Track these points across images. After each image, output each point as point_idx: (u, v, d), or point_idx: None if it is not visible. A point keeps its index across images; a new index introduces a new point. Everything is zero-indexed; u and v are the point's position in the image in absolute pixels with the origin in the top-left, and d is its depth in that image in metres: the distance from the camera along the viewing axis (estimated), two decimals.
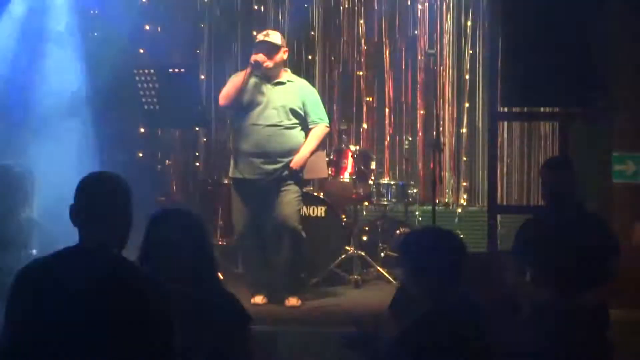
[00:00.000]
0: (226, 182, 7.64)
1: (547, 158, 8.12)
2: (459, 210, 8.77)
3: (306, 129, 6.68)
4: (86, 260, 2.84)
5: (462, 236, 3.83)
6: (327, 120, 6.77)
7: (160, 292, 2.87)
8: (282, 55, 6.63)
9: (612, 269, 4.79)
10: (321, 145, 7.00)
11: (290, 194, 6.59)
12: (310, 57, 9.02)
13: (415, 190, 8.46)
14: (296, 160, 6.57)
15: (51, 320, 2.77)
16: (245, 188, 6.61)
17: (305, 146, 6.62)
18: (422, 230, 3.75)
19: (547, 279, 4.77)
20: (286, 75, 6.72)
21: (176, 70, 6.56)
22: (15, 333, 2.81)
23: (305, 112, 6.63)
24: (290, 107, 6.57)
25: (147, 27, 8.51)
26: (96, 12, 7.91)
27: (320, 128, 6.68)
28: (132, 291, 2.82)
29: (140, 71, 6.62)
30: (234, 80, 6.64)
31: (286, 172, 6.56)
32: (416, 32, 8.97)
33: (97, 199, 2.93)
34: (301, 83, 6.82)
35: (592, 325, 4.69)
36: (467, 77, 8.89)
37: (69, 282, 2.79)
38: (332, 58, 9.08)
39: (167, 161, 8.16)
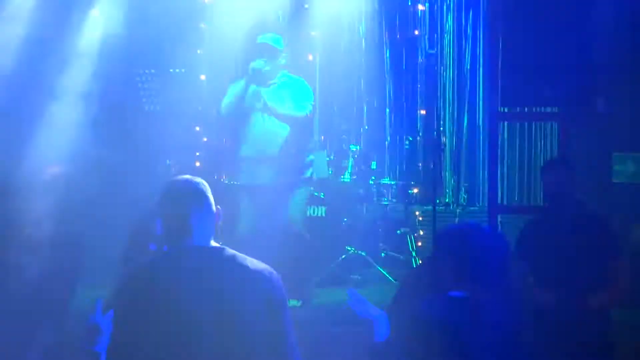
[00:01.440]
0: (227, 182, 7.64)
1: (547, 158, 8.15)
2: (459, 210, 8.78)
3: (302, 126, 6.67)
4: (201, 256, 2.93)
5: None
6: (306, 109, 6.67)
7: (275, 280, 3.02)
8: (282, 59, 6.60)
9: (616, 270, 4.80)
10: (321, 146, 7.00)
11: (296, 197, 6.58)
12: (310, 57, 9.02)
13: (415, 190, 8.48)
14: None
15: (166, 317, 2.82)
16: (249, 193, 6.60)
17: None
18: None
19: (549, 280, 4.78)
20: (282, 74, 6.68)
21: (176, 70, 6.55)
22: (128, 333, 2.85)
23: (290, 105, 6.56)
24: (288, 106, 6.55)
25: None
26: None
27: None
28: (249, 281, 2.93)
29: (140, 71, 6.62)
30: (234, 90, 6.63)
31: (289, 175, 6.55)
32: (416, 32, 8.98)
33: (187, 204, 2.99)
34: (286, 79, 6.69)
35: (594, 326, 4.69)
36: (467, 77, 8.90)
37: (191, 283, 2.86)
38: (332, 58, 9.08)
39: (167, 161, 8.14)
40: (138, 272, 2.95)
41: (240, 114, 6.56)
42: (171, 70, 6.53)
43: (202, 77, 8.76)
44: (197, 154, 9.04)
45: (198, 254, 2.94)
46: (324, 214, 7.57)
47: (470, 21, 8.88)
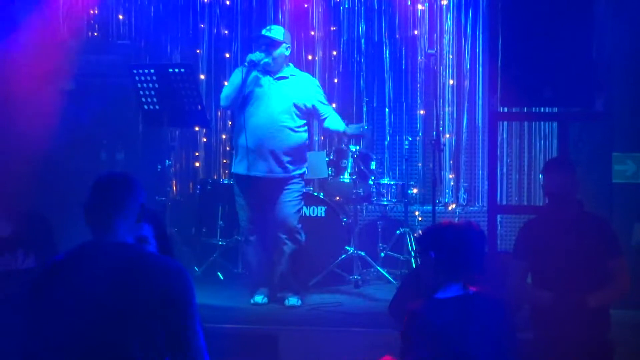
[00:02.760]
0: (226, 182, 7.63)
1: (547, 158, 8.14)
2: (459, 210, 8.77)
3: (308, 124, 6.70)
4: (109, 253, 2.98)
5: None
6: (331, 106, 6.82)
7: (184, 277, 3.00)
8: (284, 50, 6.61)
9: (616, 270, 4.80)
10: (321, 145, 7.01)
11: (291, 194, 6.59)
12: (310, 57, 9.01)
13: (415, 190, 8.47)
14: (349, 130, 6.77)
15: (78, 314, 2.89)
16: (247, 184, 6.60)
17: (340, 123, 6.74)
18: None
19: (548, 280, 4.78)
20: (288, 69, 6.70)
21: (176, 69, 6.54)
22: (39, 332, 2.93)
23: (312, 105, 6.62)
24: (294, 102, 6.56)
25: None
26: None
27: (333, 111, 6.80)
28: (155, 278, 2.95)
29: (140, 71, 6.61)
30: (233, 81, 6.63)
31: (288, 169, 6.55)
32: (416, 32, 8.97)
33: (108, 197, 3.06)
34: (303, 77, 6.79)
35: (593, 326, 4.69)
36: (467, 77, 8.89)
37: (93, 277, 2.92)
38: (332, 58, 9.08)
39: (167, 161, 8.14)
40: (54, 265, 3.03)
41: (241, 102, 6.56)
42: (171, 70, 6.51)
43: (202, 76, 8.78)
44: (197, 154, 9.05)
45: (102, 250, 3.00)
46: (323, 214, 7.57)
47: (470, 21, 8.87)
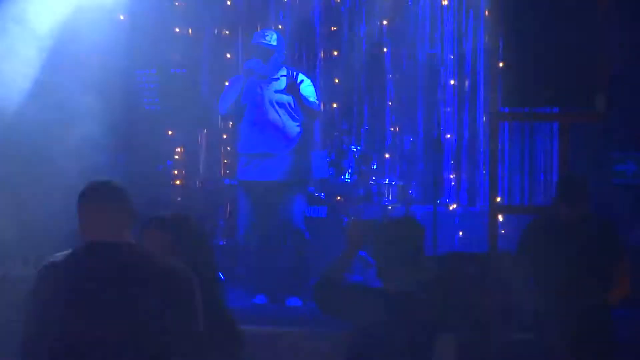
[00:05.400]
0: (227, 182, 7.64)
1: (547, 158, 8.13)
2: (460, 210, 8.77)
3: (303, 123, 6.67)
4: (107, 253, 3.00)
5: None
6: (319, 104, 6.73)
7: (189, 277, 3.02)
8: (278, 56, 6.61)
9: (620, 270, 4.81)
10: (322, 145, 7.00)
11: (295, 195, 6.59)
12: (310, 57, 9.01)
13: (415, 190, 8.46)
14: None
15: (82, 315, 2.91)
16: (253, 190, 6.60)
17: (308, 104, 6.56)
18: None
19: (551, 281, 4.78)
20: (281, 71, 6.69)
21: (177, 70, 6.55)
22: (40, 334, 2.94)
23: (299, 99, 6.55)
24: (289, 102, 6.56)
25: None
26: None
27: (315, 106, 6.65)
28: (156, 278, 2.97)
29: (141, 71, 6.62)
30: (231, 90, 6.64)
31: (291, 171, 6.54)
32: (416, 32, 8.97)
33: (100, 204, 3.08)
34: (292, 74, 6.75)
35: (596, 326, 4.70)
36: (468, 77, 8.89)
37: (97, 277, 2.94)
38: (333, 58, 9.08)
39: (167, 161, 8.15)
40: (49, 269, 3.04)
41: (239, 109, 6.56)
42: (171, 70, 6.52)
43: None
44: (198, 153, 9.05)
45: (105, 250, 3.01)
46: (324, 214, 7.57)
47: (470, 21, 8.87)
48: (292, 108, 6.56)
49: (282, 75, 6.64)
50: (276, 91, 6.58)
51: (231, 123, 8.29)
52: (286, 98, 6.55)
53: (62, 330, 2.92)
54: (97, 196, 3.09)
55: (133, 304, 2.92)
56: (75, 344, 2.91)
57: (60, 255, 3.06)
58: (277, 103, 6.54)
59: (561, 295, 4.71)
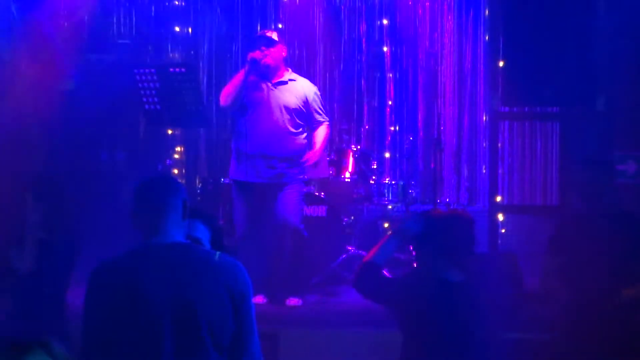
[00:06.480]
0: (227, 181, 7.63)
1: (548, 158, 8.13)
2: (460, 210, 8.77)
3: (308, 129, 6.67)
4: (169, 254, 3.01)
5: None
6: (327, 119, 6.77)
7: (245, 274, 3.07)
8: (280, 51, 6.60)
9: None
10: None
11: (292, 195, 6.58)
12: (310, 57, 9.02)
13: (415, 190, 8.46)
14: (310, 157, 6.56)
15: (141, 318, 2.92)
16: (247, 190, 6.59)
17: (318, 144, 6.62)
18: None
19: (578, 278, 4.80)
20: (288, 74, 6.69)
21: (177, 69, 6.54)
22: (98, 330, 2.96)
23: (308, 111, 6.61)
24: (293, 107, 6.55)
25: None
26: None
27: (325, 127, 6.68)
28: (221, 276, 3.01)
29: (141, 70, 6.61)
30: (234, 80, 6.63)
31: (288, 174, 6.55)
32: (417, 32, 8.98)
33: (156, 201, 3.10)
34: (303, 82, 6.77)
35: (629, 322, 4.71)
36: (468, 76, 8.89)
37: (157, 278, 2.95)
38: (333, 58, 9.08)
39: (167, 161, 8.15)
40: (107, 268, 3.05)
41: (240, 106, 6.55)
42: (171, 69, 6.51)
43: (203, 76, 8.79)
44: (198, 153, 9.06)
45: (165, 250, 3.02)
46: (324, 214, 7.57)
47: (471, 21, 8.87)
48: (294, 112, 6.53)
49: (290, 80, 6.63)
50: (282, 95, 6.56)
51: (230, 121, 8.27)
52: (290, 103, 6.53)
53: (124, 335, 2.92)
54: (155, 196, 3.11)
55: (191, 304, 2.94)
56: (141, 349, 2.91)
57: (114, 258, 3.06)
58: (283, 106, 6.52)
59: (592, 290, 4.74)
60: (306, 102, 6.58)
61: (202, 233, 3.42)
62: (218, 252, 3.15)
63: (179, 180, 3.27)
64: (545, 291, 4.94)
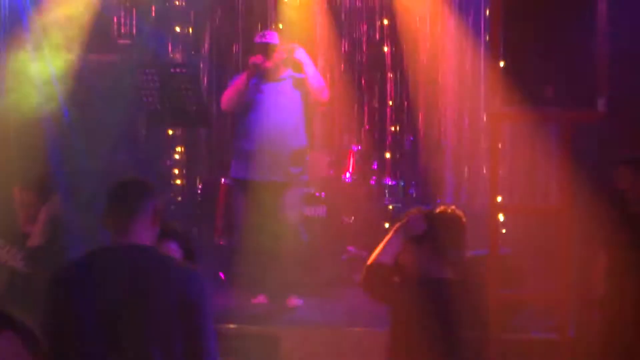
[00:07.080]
0: (227, 181, 7.63)
1: (548, 158, 8.12)
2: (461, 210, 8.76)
3: (308, 128, 6.69)
4: (128, 255, 3.05)
5: None
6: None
7: (201, 281, 3.09)
8: (281, 54, 6.61)
9: None
10: (322, 145, 6.99)
11: (294, 196, 6.59)
12: (309, 57, 9.01)
13: (415, 190, 8.47)
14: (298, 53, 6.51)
15: (98, 316, 2.95)
16: (248, 188, 6.59)
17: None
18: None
19: (619, 272, 4.84)
20: (287, 72, 6.70)
21: (177, 69, 6.55)
22: (57, 330, 2.96)
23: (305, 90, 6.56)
24: (293, 104, 6.55)
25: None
26: None
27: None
28: (174, 280, 3.03)
29: (142, 70, 6.62)
30: (236, 84, 6.63)
31: (289, 174, 6.55)
32: (416, 32, 8.98)
33: (125, 203, 3.13)
34: (301, 78, 6.77)
35: None
36: (469, 76, 8.89)
37: (114, 279, 2.99)
38: (333, 58, 9.08)
39: (167, 161, 8.15)
40: (67, 267, 3.13)
41: (242, 106, 6.56)
42: (172, 70, 6.52)
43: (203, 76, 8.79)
44: (198, 153, 9.06)
45: (124, 252, 3.06)
46: (324, 214, 7.57)
47: (471, 20, 8.87)
48: (295, 109, 6.53)
49: (289, 77, 6.64)
50: (281, 93, 6.57)
51: (230, 121, 8.28)
52: (290, 100, 6.54)
53: (81, 332, 2.94)
54: (123, 198, 3.14)
55: (152, 307, 2.97)
56: (94, 346, 2.94)
57: (78, 257, 3.11)
58: (282, 105, 6.53)
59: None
60: (298, 65, 6.54)
61: (173, 249, 3.44)
62: (182, 260, 3.20)
63: (150, 184, 3.25)
64: None
